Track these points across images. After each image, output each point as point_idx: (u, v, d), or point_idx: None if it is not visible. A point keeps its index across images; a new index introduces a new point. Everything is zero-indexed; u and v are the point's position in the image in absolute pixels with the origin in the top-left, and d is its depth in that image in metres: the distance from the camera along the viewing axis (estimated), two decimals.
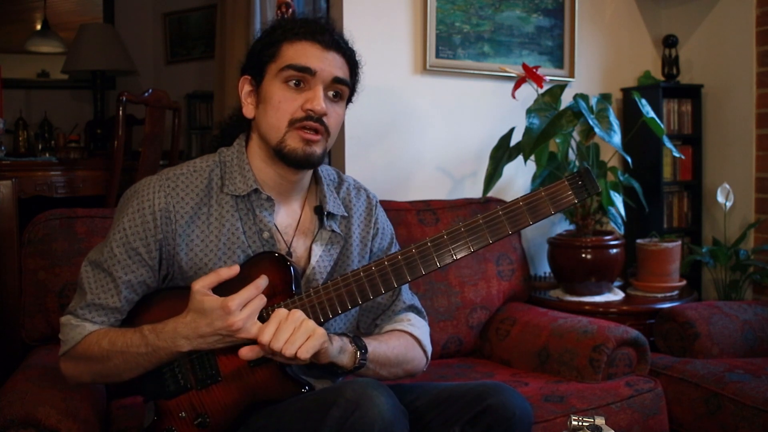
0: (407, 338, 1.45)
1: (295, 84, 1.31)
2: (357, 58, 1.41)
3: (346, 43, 1.38)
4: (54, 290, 1.76)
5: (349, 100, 1.43)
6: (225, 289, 1.23)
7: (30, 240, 1.78)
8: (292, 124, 1.30)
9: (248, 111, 1.38)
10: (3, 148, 3.05)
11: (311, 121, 1.30)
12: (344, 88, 1.36)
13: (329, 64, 1.32)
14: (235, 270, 1.24)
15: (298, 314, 1.20)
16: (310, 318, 1.22)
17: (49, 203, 2.50)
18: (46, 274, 1.76)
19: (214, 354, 1.29)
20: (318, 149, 1.32)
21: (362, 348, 1.31)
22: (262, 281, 1.23)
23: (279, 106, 1.31)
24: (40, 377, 1.48)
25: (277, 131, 1.32)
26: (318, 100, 1.30)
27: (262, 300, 1.23)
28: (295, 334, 1.17)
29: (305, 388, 1.27)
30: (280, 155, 1.32)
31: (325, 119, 1.32)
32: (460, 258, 1.22)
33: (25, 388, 1.41)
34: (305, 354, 1.17)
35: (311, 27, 1.34)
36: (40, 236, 1.78)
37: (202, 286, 1.22)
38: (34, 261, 1.77)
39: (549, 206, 1.19)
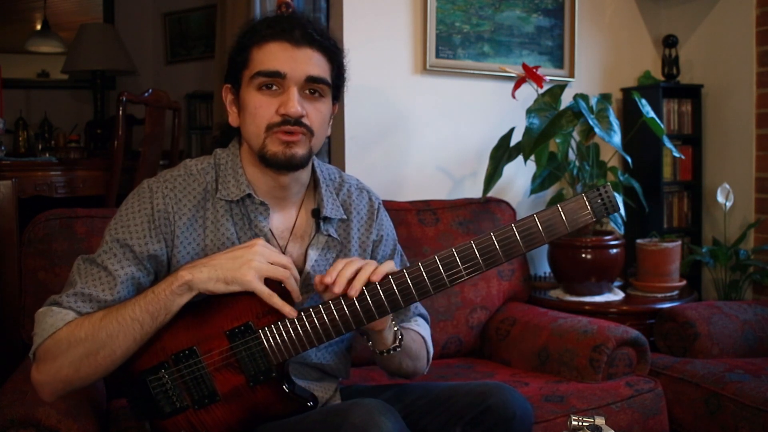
0: (420, 337, 1.47)
1: (268, 88, 1.27)
2: (338, 49, 1.34)
3: (322, 35, 1.31)
4: (54, 290, 1.73)
5: (337, 94, 1.38)
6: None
7: (30, 240, 1.78)
8: (270, 128, 1.27)
9: (233, 119, 1.36)
10: (3, 148, 3.05)
11: (288, 125, 1.26)
12: (322, 86, 1.30)
13: (301, 62, 1.27)
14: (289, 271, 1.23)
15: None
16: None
17: (49, 203, 2.49)
18: (46, 274, 1.76)
19: (208, 374, 1.22)
20: (299, 150, 1.28)
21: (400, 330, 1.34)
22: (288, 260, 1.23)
23: (256, 113, 1.28)
24: None
25: (257, 137, 1.29)
26: (292, 102, 1.25)
27: (286, 268, 1.22)
28: (364, 268, 1.21)
29: (310, 403, 1.25)
30: (264, 160, 1.29)
31: (305, 120, 1.27)
32: (470, 278, 1.18)
33: (25, 388, 1.40)
34: (378, 276, 1.19)
35: (279, 26, 1.28)
36: (40, 236, 1.78)
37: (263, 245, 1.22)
38: (34, 261, 1.77)
39: (565, 225, 1.14)
